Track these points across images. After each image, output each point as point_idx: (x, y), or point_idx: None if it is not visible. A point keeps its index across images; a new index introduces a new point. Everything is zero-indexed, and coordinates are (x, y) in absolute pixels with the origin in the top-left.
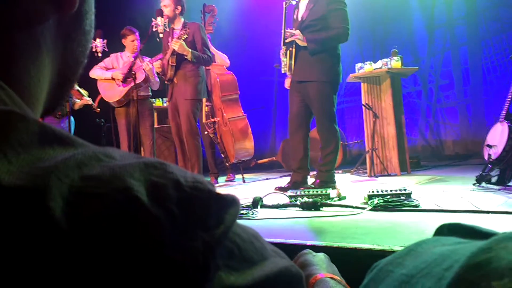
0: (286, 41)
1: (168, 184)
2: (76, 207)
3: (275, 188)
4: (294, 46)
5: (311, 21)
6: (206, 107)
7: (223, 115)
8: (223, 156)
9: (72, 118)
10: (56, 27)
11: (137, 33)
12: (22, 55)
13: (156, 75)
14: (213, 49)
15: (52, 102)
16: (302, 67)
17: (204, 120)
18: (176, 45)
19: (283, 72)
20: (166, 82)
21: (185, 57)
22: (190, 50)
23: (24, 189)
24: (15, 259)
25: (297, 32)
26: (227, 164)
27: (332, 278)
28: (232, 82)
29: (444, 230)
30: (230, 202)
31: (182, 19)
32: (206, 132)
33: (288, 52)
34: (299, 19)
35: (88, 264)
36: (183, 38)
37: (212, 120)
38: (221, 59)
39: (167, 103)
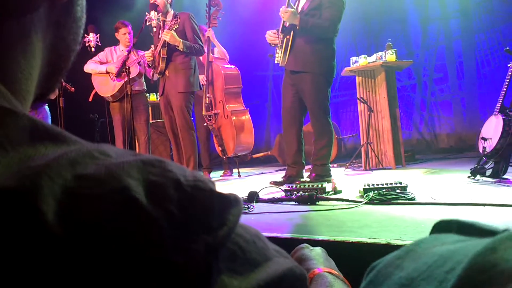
0: (286, 25)
1: (168, 183)
2: (70, 210)
3: (270, 183)
4: (291, 34)
5: (310, 10)
6: (207, 99)
7: (224, 107)
8: (220, 149)
9: (47, 108)
10: (46, 15)
11: (129, 26)
12: (12, 46)
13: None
14: (216, 42)
15: (42, 91)
16: (297, 57)
17: (204, 112)
18: (167, 36)
19: (276, 62)
20: (157, 75)
21: (177, 47)
22: (181, 40)
23: (12, 191)
24: (4, 269)
25: (290, 10)
26: (224, 157)
27: (330, 272)
28: (237, 75)
29: (441, 227)
30: (233, 202)
31: (172, 11)
32: (205, 124)
33: (284, 40)
34: (299, 9)
35: (85, 272)
36: (174, 29)
37: (213, 112)
38: (222, 52)
39: (159, 97)
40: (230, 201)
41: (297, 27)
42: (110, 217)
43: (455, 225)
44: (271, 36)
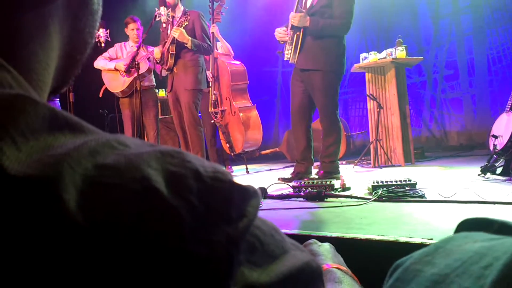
0: (295, 24)
1: (187, 174)
2: (91, 198)
3: (279, 179)
4: (301, 30)
5: (320, 7)
6: (213, 96)
7: (231, 104)
8: (227, 146)
9: (58, 103)
10: (64, 7)
11: (138, 22)
12: (30, 37)
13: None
14: (220, 37)
15: (58, 84)
16: (307, 55)
17: (210, 109)
18: (176, 32)
19: (285, 59)
20: (165, 71)
21: (185, 45)
22: (190, 38)
23: (35, 179)
24: (27, 256)
25: (299, 15)
26: (232, 154)
27: (338, 268)
28: (243, 71)
29: (468, 225)
30: (252, 193)
31: (182, 7)
32: (212, 121)
33: (295, 36)
34: (308, 5)
35: (105, 260)
36: (183, 26)
37: (219, 109)
38: (227, 48)
39: (167, 93)
40: (249, 192)
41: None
42: (131, 206)
43: (485, 224)
44: (280, 33)
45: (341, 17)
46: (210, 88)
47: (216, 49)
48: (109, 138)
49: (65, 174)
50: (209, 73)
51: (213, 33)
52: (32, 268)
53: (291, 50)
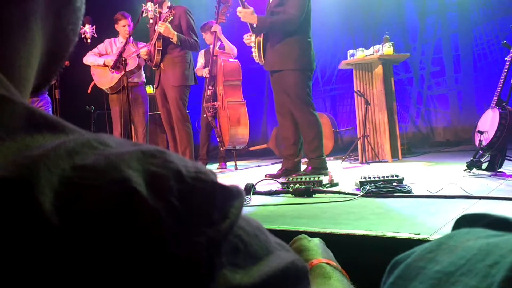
0: (254, 25)
1: (169, 174)
2: (68, 200)
3: (266, 176)
4: (261, 35)
5: (274, 6)
6: (209, 91)
7: (223, 100)
8: (219, 140)
9: (48, 97)
10: (47, 4)
11: (129, 18)
12: (13, 34)
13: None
14: (222, 37)
15: (40, 82)
16: (272, 57)
17: (204, 104)
18: (161, 27)
19: (256, 61)
20: (153, 68)
21: (171, 40)
22: (175, 33)
23: (9, 181)
24: (2, 258)
25: (245, 10)
26: (221, 149)
27: (328, 263)
28: (236, 68)
29: (466, 221)
30: (235, 194)
31: (169, 3)
32: (205, 115)
33: (256, 40)
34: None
35: (82, 263)
36: (169, 20)
37: (212, 104)
38: (230, 48)
39: (155, 90)
40: (232, 193)
41: (255, 25)
42: (109, 208)
43: (485, 220)
44: (246, 39)
45: (289, 12)
46: (205, 84)
47: (224, 50)
48: (89, 137)
49: (41, 176)
50: (207, 70)
51: (215, 32)
52: (6, 270)
53: (256, 54)
